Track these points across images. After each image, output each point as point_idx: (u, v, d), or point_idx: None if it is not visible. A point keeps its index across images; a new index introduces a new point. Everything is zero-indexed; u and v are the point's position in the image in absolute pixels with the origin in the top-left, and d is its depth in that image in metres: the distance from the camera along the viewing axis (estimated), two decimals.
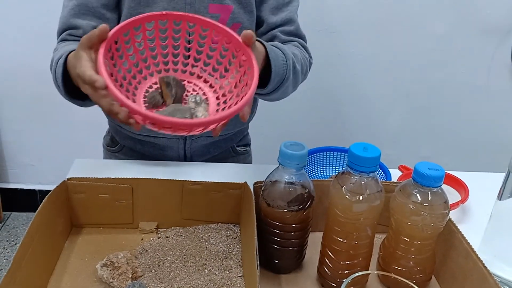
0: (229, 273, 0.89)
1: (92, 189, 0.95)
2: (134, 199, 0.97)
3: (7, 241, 2.48)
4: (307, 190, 0.86)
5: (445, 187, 0.83)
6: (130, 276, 0.85)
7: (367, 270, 0.87)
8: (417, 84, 2.33)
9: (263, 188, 0.88)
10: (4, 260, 2.34)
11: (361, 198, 0.79)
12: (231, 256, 0.93)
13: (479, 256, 0.80)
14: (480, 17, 2.19)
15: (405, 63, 2.29)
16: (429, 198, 0.80)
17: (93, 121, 2.44)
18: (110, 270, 0.84)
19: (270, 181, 0.87)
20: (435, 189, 0.80)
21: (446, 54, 2.27)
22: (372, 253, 0.87)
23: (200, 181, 0.97)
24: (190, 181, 0.97)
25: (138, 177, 0.97)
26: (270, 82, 1.04)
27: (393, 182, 0.98)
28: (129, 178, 0.96)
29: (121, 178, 0.96)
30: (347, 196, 0.79)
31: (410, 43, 2.24)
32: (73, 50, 0.94)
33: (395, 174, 1.21)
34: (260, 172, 1.15)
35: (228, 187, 0.98)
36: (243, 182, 0.97)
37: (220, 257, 0.93)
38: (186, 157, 1.32)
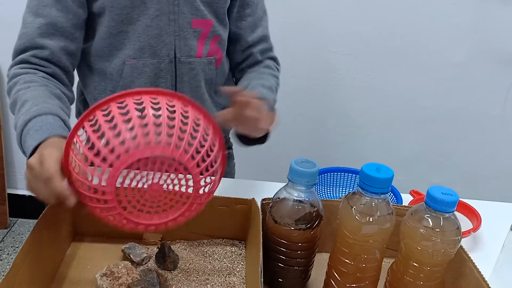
0: None
1: None
2: None
3: (11, 247, 2.47)
4: (315, 209, 0.84)
5: (457, 214, 0.80)
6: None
7: None
8: (432, 110, 2.31)
9: (271, 204, 0.87)
10: (7, 266, 2.32)
11: (371, 219, 0.77)
12: (235, 272, 0.92)
13: (490, 286, 0.77)
14: (499, 47, 2.17)
15: (420, 89, 2.27)
16: (441, 224, 0.77)
17: None
18: (110, 280, 0.82)
19: (279, 198, 0.86)
20: (447, 215, 0.77)
21: (463, 82, 2.25)
22: (379, 277, 0.85)
23: None
24: None
25: None
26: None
27: (404, 206, 0.96)
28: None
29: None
30: (356, 217, 0.78)
31: (427, 69, 2.23)
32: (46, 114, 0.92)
33: (406, 199, 1.19)
34: (268, 189, 1.13)
35: (235, 202, 0.96)
36: (250, 198, 0.95)
37: (223, 273, 0.91)
38: None
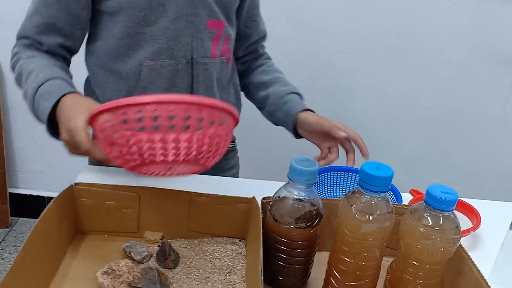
0: (232, 287, 0.87)
1: (98, 196, 0.95)
2: (141, 208, 0.96)
3: (13, 246, 2.48)
4: (315, 208, 0.85)
5: (456, 213, 0.81)
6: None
7: None
8: (432, 110, 2.31)
9: (271, 203, 0.87)
10: (9, 265, 2.33)
11: (370, 218, 0.77)
12: (235, 271, 0.92)
13: (489, 284, 0.77)
14: (499, 47, 2.17)
15: (421, 89, 2.27)
16: (441, 222, 0.77)
17: None
18: (111, 278, 0.82)
19: (279, 197, 0.86)
20: (447, 213, 0.77)
21: (463, 82, 2.25)
22: (379, 275, 0.85)
23: (208, 194, 0.96)
24: (198, 193, 0.96)
25: (146, 186, 0.96)
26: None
27: (404, 205, 0.96)
28: (137, 186, 0.95)
29: (128, 186, 0.95)
30: (356, 216, 0.78)
31: (427, 69, 2.23)
32: (55, 78, 1.01)
33: (406, 198, 1.20)
34: (268, 188, 1.13)
35: (236, 201, 0.96)
36: (251, 196, 0.95)
37: (224, 271, 0.92)
38: None
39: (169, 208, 0.97)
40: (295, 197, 0.84)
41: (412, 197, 1.21)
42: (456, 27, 2.14)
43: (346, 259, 0.82)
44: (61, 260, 0.91)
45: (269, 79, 1.38)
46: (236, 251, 0.97)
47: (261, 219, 0.86)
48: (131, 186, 0.95)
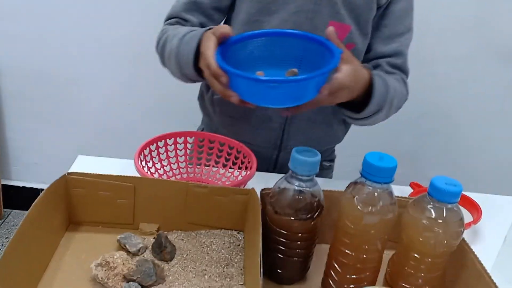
0: (229, 280, 0.86)
1: (92, 186, 0.92)
2: (136, 199, 0.94)
3: (6, 238, 2.46)
4: (316, 199, 0.83)
5: None
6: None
7: (374, 285, 0.83)
8: (433, 104, 2.30)
9: (271, 194, 0.85)
10: None
11: (373, 210, 0.76)
12: (233, 263, 0.90)
13: (492, 278, 0.76)
14: (501, 41, 2.16)
15: (421, 83, 2.25)
16: (444, 215, 0.76)
17: (98, 121, 2.43)
18: (105, 270, 0.80)
19: (279, 188, 0.84)
20: (450, 205, 0.76)
21: (464, 76, 2.24)
22: (380, 268, 0.84)
23: (206, 184, 0.94)
24: (195, 183, 0.94)
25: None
26: (367, 108, 1.07)
27: (406, 197, 0.94)
28: (132, 176, 0.93)
29: (123, 176, 0.93)
30: (358, 207, 0.76)
31: (427, 63, 2.21)
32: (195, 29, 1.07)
33: (406, 192, 1.18)
34: (268, 179, 1.12)
35: (234, 192, 0.94)
36: (250, 188, 0.94)
37: (221, 263, 0.89)
38: (276, 167, 1.34)
39: (165, 199, 0.95)
40: (296, 188, 0.82)
41: (412, 190, 1.19)
42: (457, 21, 2.12)
43: (346, 251, 0.80)
44: (53, 252, 0.89)
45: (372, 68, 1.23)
46: (234, 244, 0.95)
47: (260, 210, 0.84)
48: (126, 176, 0.93)
